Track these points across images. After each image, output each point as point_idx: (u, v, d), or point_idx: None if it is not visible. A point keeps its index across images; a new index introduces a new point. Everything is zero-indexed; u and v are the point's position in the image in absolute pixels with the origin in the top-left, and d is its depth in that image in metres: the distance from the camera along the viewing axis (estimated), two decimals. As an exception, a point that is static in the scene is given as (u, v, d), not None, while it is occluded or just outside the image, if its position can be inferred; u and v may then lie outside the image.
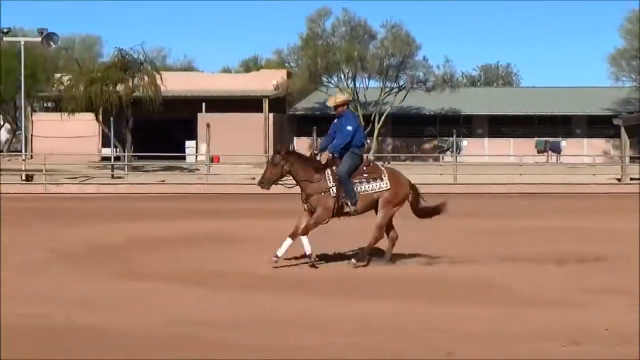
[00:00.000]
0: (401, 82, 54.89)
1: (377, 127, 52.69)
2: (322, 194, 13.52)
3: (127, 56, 44.13)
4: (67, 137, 46.09)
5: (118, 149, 45.33)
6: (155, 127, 51.42)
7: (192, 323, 9.47)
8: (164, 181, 37.02)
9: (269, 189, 13.98)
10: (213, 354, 8.09)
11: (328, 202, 13.51)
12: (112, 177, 39.86)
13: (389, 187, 13.78)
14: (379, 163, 15.73)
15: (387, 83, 54.64)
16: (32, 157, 46.07)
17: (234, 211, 23.94)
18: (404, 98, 53.97)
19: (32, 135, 53.03)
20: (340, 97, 14.29)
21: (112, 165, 42.37)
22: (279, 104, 57.05)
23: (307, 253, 13.46)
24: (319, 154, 13.89)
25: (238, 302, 10.80)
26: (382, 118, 53.11)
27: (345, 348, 8.34)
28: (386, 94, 54.20)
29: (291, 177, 13.78)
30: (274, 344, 8.52)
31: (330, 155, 13.72)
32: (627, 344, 8.40)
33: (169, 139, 52.00)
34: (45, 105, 60.43)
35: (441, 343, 8.45)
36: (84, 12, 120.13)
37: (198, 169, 43.24)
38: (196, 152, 51.60)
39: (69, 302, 10.68)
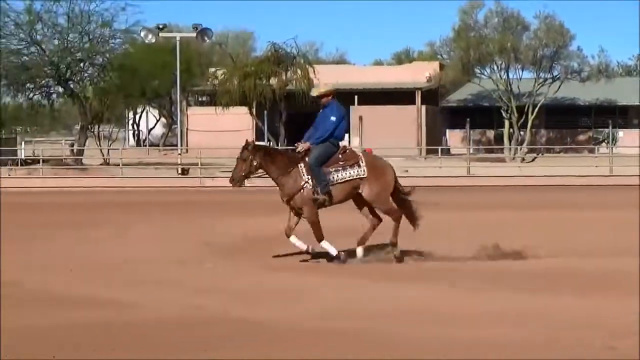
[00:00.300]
0: (555, 73, 53.70)
1: (530, 118, 51.71)
2: (302, 191, 13.13)
3: (280, 50, 44.46)
4: (222, 130, 46.80)
5: (271, 142, 45.80)
6: (308, 120, 51.64)
7: (351, 315, 9.37)
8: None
9: (240, 186, 13.82)
10: (376, 348, 7.95)
11: (310, 198, 13.12)
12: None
13: (366, 174, 13.21)
14: (359, 150, 14.68)
15: (540, 74, 53.52)
16: (187, 151, 47.07)
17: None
18: (558, 89, 52.78)
19: (187, 129, 54.11)
20: (324, 88, 13.93)
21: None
22: (431, 96, 56.67)
23: (303, 249, 13.20)
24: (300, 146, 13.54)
25: (394, 294, 10.67)
26: (536, 109, 52.06)
27: (527, 342, 8.09)
28: (540, 85, 53.07)
29: (264, 173, 13.62)
30: (441, 337, 8.32)
31: (309, 146, 13.33)
32: None
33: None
34: (199, 99, 61.59)
35: (599, 336, 8.10)
36: (238, 8, 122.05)
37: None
38: (349, 145, 51.56)
39: (224, 294, 10.75)
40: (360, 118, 49.06)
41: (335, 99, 13.66)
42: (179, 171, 38.52)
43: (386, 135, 47.18)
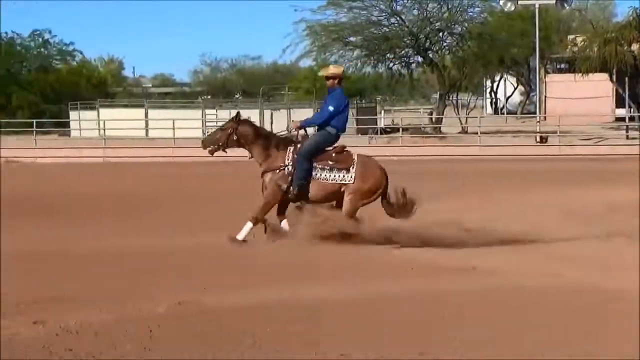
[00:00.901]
0: None
1: None
2: (277, 171, 12.33)
3: (644, 14, 42.78)
4: (580, 98, 45.80)
5: (632, 109, 44.26)
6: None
7: None
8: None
9: (211, 153, 12.84)
10: None
11: (281, 182, 12.30)
12: (627, 138, 39.05)
13: (353, 180, 12.29)
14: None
15: None
16: (545, 118, 46.51)
17: None
18: None
19: (545, 96, 53.42)
20: (332, 69, 12.98)
21: (627, 126, 41.50)
22: None
23: (239, 239, 12.15)
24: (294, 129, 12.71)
25: None
26: None
27: None
28: None
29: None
30: None
31: (299, 125, 12.60)
32: None
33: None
34: (557, 66, 60.56)
35: None
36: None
37: None
38: None
39: (583, 263, 10.60)
40: None
41: (341, 85, 12.86)
42: (538, 139, 38.20)
43: None
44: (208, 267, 10.79)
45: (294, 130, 12.76)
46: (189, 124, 43.06)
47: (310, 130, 12.98)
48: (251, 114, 44.32)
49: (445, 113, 46.73)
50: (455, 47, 46.54)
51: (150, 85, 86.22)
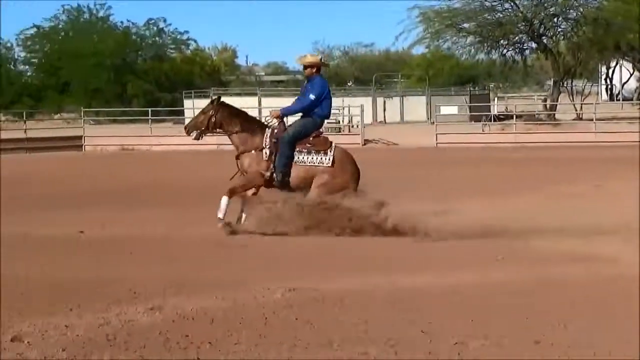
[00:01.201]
0: None
1: None
2: (253, 152, 12.26)
3: None
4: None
5: None
6: None
7: None
8: None
9: (195, 138, 12.80)
10: None
11: (259, 165, 12.25)
12: None
13: (330, 164, 12.20)
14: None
15: None
16: (662, 104, 45.39)
17: None
18: None
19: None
20: (309, 58, 12.75)
21: None
22: None
23: (219, 216, 12.04)
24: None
25: None
26: None
27: None
28: None
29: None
30: None
31: (279, 114, 12.45)
32: None
33: None
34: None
35: None
36: None
37: None
38: None
39: None
40: None
41: (320, 73, 12.69)
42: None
43: None
44: (321, 253, 10.83)
45: (273, 119, 12.70)
46: (301, 112, 43.22)
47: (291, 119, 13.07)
48: (364, 102, 44.46)
49: (559, 100, 45.98)
50: (570, 33, 45.80)
51: (263, 73, 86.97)
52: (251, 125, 12.71)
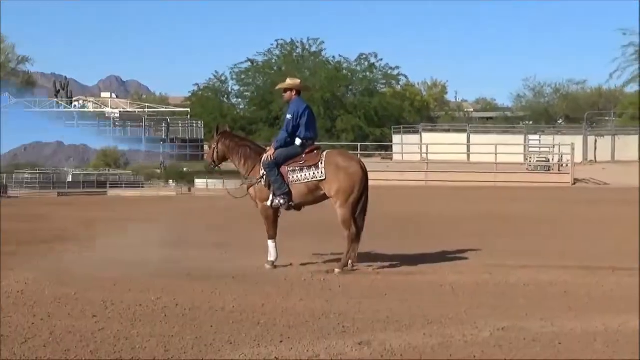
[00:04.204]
0: None
1: None
2: (257, 185, 12.48)
3: None
4: None
5: None
6: None
7: None
8: None
9: (212, 171, 13.41)
10: None
11: (263, 195, 12.41)
12: None
13: (324, 176, 12.21)
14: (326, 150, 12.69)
15: None
16: None
17: None
18: None
19: None
20: (288, 81, 12.71)
21: None
22: None
23: (270, 259, 12.38)
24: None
25: None
26: None
27: None
28: None
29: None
30: None
31: (273, 152, 12.40)
32: None
33: None
34: None
35: None
36: None
37: None
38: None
39: None
40: None
41: (299, 96, 12.62)
42: None
43: None
44: (526, 294, 10.62)
45: (271, 156, 12.58)
46: (510, 149, 42.84)
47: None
48: (574, 140, 43.56)
49: None
50: None
51: (472, 110, 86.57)
52: (253, 155, 12.85)
